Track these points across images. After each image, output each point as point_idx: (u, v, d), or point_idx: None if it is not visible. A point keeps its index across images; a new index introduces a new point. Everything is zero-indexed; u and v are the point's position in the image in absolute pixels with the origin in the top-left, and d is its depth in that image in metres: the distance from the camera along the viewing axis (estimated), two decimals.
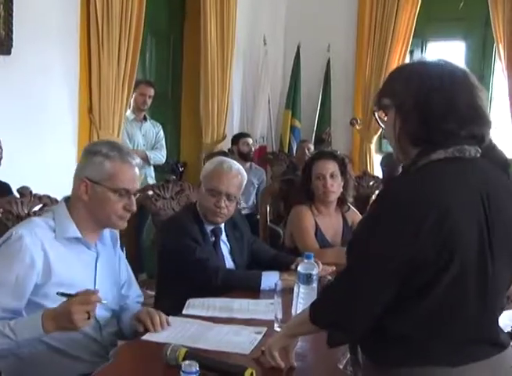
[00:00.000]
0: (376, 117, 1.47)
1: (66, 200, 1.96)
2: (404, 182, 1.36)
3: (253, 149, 5.29)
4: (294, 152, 5.94)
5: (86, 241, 1.93)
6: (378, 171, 5.63)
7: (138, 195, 1.99)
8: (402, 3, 5.54)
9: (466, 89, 1.36)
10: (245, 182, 2.61)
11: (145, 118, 4.73)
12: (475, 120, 1.35)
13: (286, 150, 6.01)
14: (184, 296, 2.22)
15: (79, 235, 1.91)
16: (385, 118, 1.45)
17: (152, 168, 4.75)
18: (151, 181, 4.68)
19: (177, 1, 5.39)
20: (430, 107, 1.33)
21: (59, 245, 1.86)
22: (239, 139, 5.29)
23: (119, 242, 2.13)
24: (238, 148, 5.21)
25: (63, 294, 1.72)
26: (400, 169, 1.57)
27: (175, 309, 2.09)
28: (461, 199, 1.30)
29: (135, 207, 1.94)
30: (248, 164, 5.10)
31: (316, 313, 1.44)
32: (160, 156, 4.76)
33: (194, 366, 1.20)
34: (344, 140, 6.09)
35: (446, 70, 1.39)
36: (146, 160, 4.58)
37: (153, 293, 2.68)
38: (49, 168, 3.66)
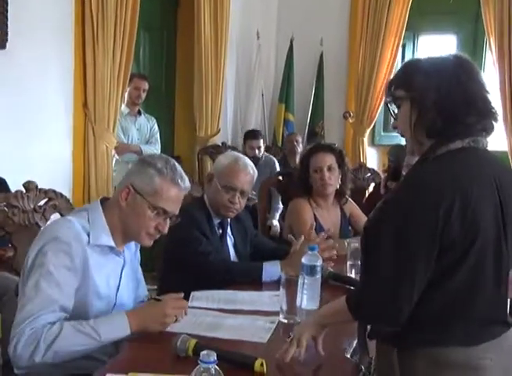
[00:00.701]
0: (390, 109, 1.51)
1: (102, 201, 1.94)
2: (429, 169, 1.42)
3: (258, 152, 5.16)
4: None
5: (116, 250, 1.92)
6: (371, 164, 5.67)
7: (175, 219, 1.95)
8: None
9: (480, 85, 1.45)
10: (256, 178, 2.67)
11: (139, 112, 4.72)
12: (489, 114, 1.44)
13: (280, 144, 6.01)
14: (187, 288, 2.24)
15: (112, 244, 1.89)
16: (395, 109, 1.49)
17: None
18: None
19: None
20: (452, 102, 1.41)
21: (93, 250, 1.83)
22: (246, 141, 5.25)
23: (139, 245, 2.09)
24: (245, 150, 5.14)
25: (155, 299, 1.85)
26: (407, 160, 1.62)
27: None
28: (480, 185, 1.39)
29: (166, 230, 1.92)
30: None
31: (360, 309, 1.45)
32: (154, 150, 4.75)
33: (212, 356, 1.22)
34: (337, 133, 6.10)
35: (462, 65, 1.45)
36: (140, 154, 4.58)
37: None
38: (44, 162, 3.65)
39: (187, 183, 1.93)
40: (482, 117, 1.43)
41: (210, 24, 5.20)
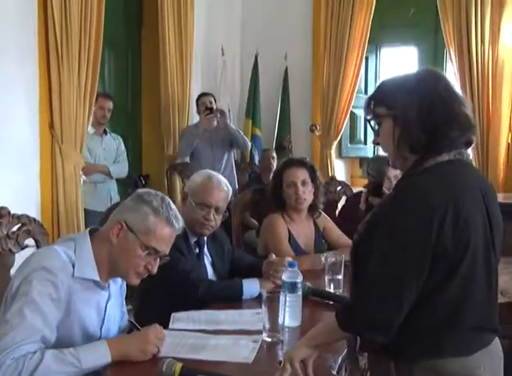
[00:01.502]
0: (372, 125, 1.53)
1: (91, 232, 1.89)
2: (419, 182, 1.44)
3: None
4: (256, 161, 5.96)
5: (101, 284, 1.87)
6: (339, 176, 5.71)
7: (165, 259, 1.92)
8: (355, 11, 5.64)
9: (459, 100, 1.49)
10: (231, 195, 2.67)
11: (105, 132, 4.67)
12: (470, 127, 1.49)
13: (248, 159, 6.02)
14: (166, 309, 2.21)
15: (97, 278, 1.84)
16: (375, 126, 1.52)
17: (114, 182, 4.68)
18: (114, 195, 4.63)
19: (133, 13, 5.36)
20: (436, 118, 1.44)
21: (77, 283, 1.79)
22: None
23: None
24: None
25: (134, 326, 1.85)
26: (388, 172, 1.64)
27: (158, 322, 2.07)
28: (469, 194, 1.43)
29: (155, 271, 1.88)
30: None
31: (351, 319, 1.45)
32: (122, 169, 4.70)
33: None
34: (305, 147, 6.14)
35: (441, 81, 1.49)
36: (108, 174, 4.53)
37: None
38: (11, 186, 3.58)
39: (181, 223, 1.90)
40: (464, 131, 1.47)
41: (174, 41, 5.20)
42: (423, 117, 1.44)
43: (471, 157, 5.31)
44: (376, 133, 1.55)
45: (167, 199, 1.91)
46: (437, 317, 1.42)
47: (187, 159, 5.19)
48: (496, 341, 1.52)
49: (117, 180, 4.73)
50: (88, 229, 1.92)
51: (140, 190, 1.94)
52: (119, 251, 1.83)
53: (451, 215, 1.36)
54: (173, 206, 1.90)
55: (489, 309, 1.49)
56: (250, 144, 5.20)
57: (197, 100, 5.15)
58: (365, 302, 1.42)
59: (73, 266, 1.79)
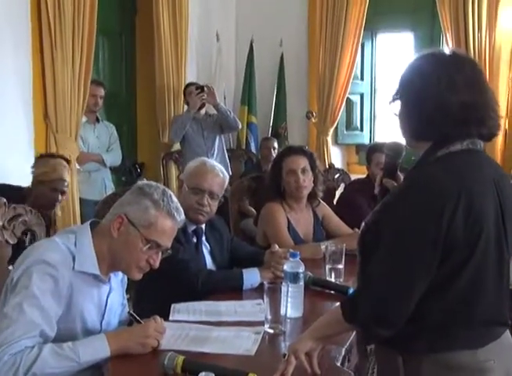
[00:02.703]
0: (393, 109, 1.53)
1: (92, 225, 1.86)
2: (432, 169, 1.43)
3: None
4: (252, 148, 5.93)
5: (102, 278, 1.84)
6: (336, 163, 5.67)
7: (167, 253, 1.88)
8: None
9: (482, 89, 1.45)
10: (227, 182, 2.65)
11: (97, 120, 4.61)
12: (488, 118, 1.44)
13: (244, 146, 5.98)
14: (165, 299, 2.20)
15: (97, 272, 1.81)
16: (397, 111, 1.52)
17: (108, 170, 4.64)
18: (109, 184, 4.59)
19: (127, 0, 5.29)
20: (449, 104, 1.41)
21: (77, 277, 1.76)
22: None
23: None
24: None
25: (134, 318, 1.81)
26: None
27: (156, 313, 2.05)
28: (482, 185, 1.41)
29: (157, 265, 1.85)
30: None
31: (356, 312, 1.43)
32: (115, 157, 4.65)
33: None
34: (301, 134, 6.11)
35: (462, 68, 1.45)
36: (102, 163, 4.48)
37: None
38: (7, 175, 3.53)
39: (182, 216, 1.88)
40: (482, 123, 1.44)
41: (169, 27, 5.15)
42: (437, 101, 1.41)
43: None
44: (397, 118, 1.54)
45: (169, 191, 1.88)
46: (448, 310, 1.40)
47: (179, 145, 5.15)
48: (507, 334, 1.50)
49: (111, 168, 4.68)
50: (89, 221, 1.89)
51: (140, 183, 1.91)
52: (120, 245, 1.80)
53: (463, 206, 1.34)
54: (174, 198, 1.87)
55: (500, 302, 1.47)
56: (240, 124, 5.17)
57: (185, 89, 5.11)
58: (371, 296, 1.40)
59: (74, 259, 1.76)
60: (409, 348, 1.43)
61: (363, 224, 1.52)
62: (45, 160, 3.21)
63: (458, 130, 1.43)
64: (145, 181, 1.96)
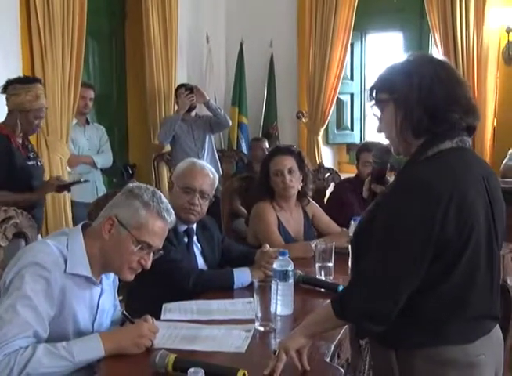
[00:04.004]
0: (374, 112, 1.55)
1: (83, 227, 1.87)
2: (423, 170, 1.44)
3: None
4: (243, 149, 5.95)
5: (94, 280, 1.85)
6: (326, 162, 5.72)
7: (158, 254, 1.89)
8: None
9: (459, 82, 1.48)
10: (217, 182, 2.67)
11: (87, 122, 4.61)
12: (472, 111, 1.48)
13: (235, 147, 6.00)
14: (157, 299, 2.21)
15: (89, 275, 1.82)
16: (378, 113, 1.54)
17: (99, 172, 4.64)
18: (100, 186, 4.59)
19: (117, 2, 5.29)
20: (436, 99, 1.43)
21: (69, 279, 1.77)
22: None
23: None
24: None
25: (127, 318, 1.82)
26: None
27: (148, 313, 2.07)
28: (472, 182, 1.43)
29: (149, 265, 1.86)
30: None
31: (346, 307, 1.45)
32: (106, 159, 4.66)
33: (200, 373, 1.20)
34: (292, 134, 6.13)
35: (439, 64, 1.49)
36: (93, 165, 4.49)
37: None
38: None
39: (173, 217, 1.89)
40: (466, 115, 1.46)
41: (159, 30, 5.16)
42: (423, 98, 1.43)
43: None
44: (380, 120, 1.56)
45: (158, 192, 1.89)
46: (440, 305, 1.42)
47: (169, 146, 5.17)
48: (497, 328, 1.52)
49: (102, 170, 4.68)
50: (81, 224, 1.90)
51: (130, 185, 1.92)
52: (111, 246, 1.81)
53: (455, 204, 1.36)
54: (164, 199, 1.89)
55: (491, 297, 1.49)
56: (230, 122, 5.19)
57: (176, 91, 5.13)
58: (360, 292, 1.42)
59: (66, 262, 1.77)
60: (402, 344, 1.45)
61: (357, 224, 1.54)
62: (24, 86, 3.22)
63: (448, 125, 1.44)
64: (135, 183, 1.97)
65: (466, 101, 1.47)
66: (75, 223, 4.09)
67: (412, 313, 1.43)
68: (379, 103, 1.54)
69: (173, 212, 1.90)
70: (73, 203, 4.15)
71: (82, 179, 3.71)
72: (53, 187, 3.43)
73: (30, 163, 3.33)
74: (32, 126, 3.27)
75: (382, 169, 1.98)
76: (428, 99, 1.43)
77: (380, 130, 1.59)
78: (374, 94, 1.55)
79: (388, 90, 1.50)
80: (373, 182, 1.94)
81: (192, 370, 1.21)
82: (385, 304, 1.40)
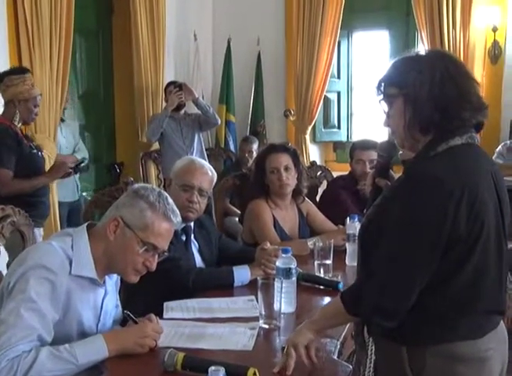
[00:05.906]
0: (381, 107, 1.54)
1: (88, 227, 1.84)
2: (434, 165, 1.43)
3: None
4: (231, 147, 5.93)
5: (98, 281, 1.82)
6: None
7: (163, 256, 1.87)
8: None
9: (470, 79, 1.48)
10: (215, 180, 2.67)
11: (61, 119, 4.53)
12: (482, 108, 1.48)
13: (223, 145, 5.98)
14: (156, 297, 2.20)
15: (95, 276, 1.79)
16: (386, 107, 1.53)
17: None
18: (80, 184, 4.53)
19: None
20: (447, 95, 1.43)
21: (74, 281, 1.74)
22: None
23: None
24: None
25: (130, 318, 1.80)
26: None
27: (149, 311, 2.05)
28: (482, 178, 1.44)
29: (154, 267, 1.83)
30: None
31: (358, 302, 1.45)
32: (86, 156, 4.58)
33: (221, 372, 1.19)
34: (279, 132, 6.12)
35: (450, 60, 1.49)
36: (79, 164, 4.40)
37: None
38: None
39: (179, 218, 1.87)
40: (476, 112, 1.46)
41: (146, 27, 5.12)
42: (434, 94, 1.43)
43: None
44: (387, 115, 1.54)
45: (164, 193, 1.87)
46: (451, 301, 1.43)
47: (157, 145, 5.13)
48: (501, 323, 1.54)
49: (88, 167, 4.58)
50: (86, 224, 1.87)
51: (136, 185, 1.90)
52: (116, 247, 1.79)
53: (466, 200, 1.36)
54: (170, 200, 1.86)
55: (499, 291, 1.50)
56: (219, 120, 5.17)
57: (165, 89, 5.10)
58: (373, 287, 1.42)
59: (71, 263, 1.74)
60: (413, 340, 1.45)
61: (364, 219, 1.53)
62: (19, 77, 3.28)
63: (459, 122, 1.45)
64: (140, 184, 1.94)
65: (477, 98, 1.47)
66: (61, 223, 4.04)
67: (423, 309, 1.43)
68: (387, 97, 1.53)
69: (179, 213, 1.88)
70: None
71: (85, 159, 3.79)
72: (66, 167, 3.49)
73: (34, 152, 3.37)
74: (32, 114, 3.34)
75: (387, 163, 1.97)
76: (439, 96, 1.43)
77: (387, 124, 1.58)
78: (382, 88, 1.53)
79: (398, 85, 1.49)
80: (377, 176, 1.94)
81: (213, 368, 1.19)
82: (397, 299, 1.41)
